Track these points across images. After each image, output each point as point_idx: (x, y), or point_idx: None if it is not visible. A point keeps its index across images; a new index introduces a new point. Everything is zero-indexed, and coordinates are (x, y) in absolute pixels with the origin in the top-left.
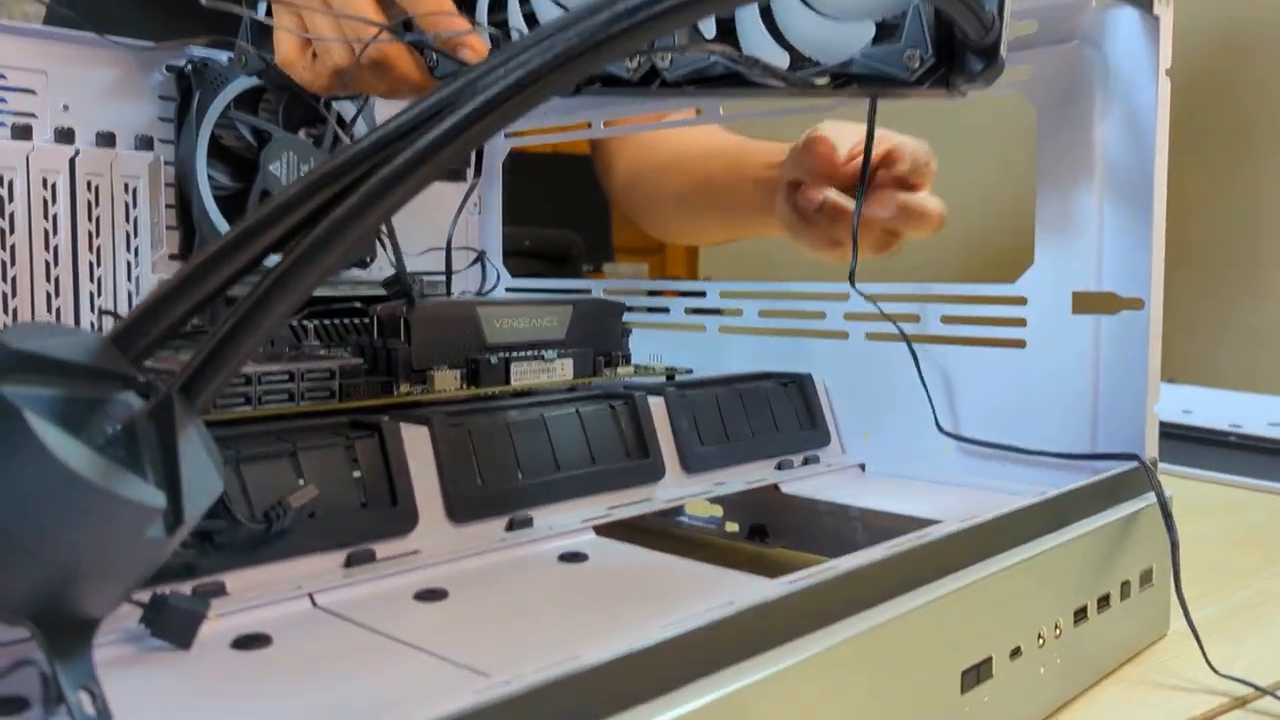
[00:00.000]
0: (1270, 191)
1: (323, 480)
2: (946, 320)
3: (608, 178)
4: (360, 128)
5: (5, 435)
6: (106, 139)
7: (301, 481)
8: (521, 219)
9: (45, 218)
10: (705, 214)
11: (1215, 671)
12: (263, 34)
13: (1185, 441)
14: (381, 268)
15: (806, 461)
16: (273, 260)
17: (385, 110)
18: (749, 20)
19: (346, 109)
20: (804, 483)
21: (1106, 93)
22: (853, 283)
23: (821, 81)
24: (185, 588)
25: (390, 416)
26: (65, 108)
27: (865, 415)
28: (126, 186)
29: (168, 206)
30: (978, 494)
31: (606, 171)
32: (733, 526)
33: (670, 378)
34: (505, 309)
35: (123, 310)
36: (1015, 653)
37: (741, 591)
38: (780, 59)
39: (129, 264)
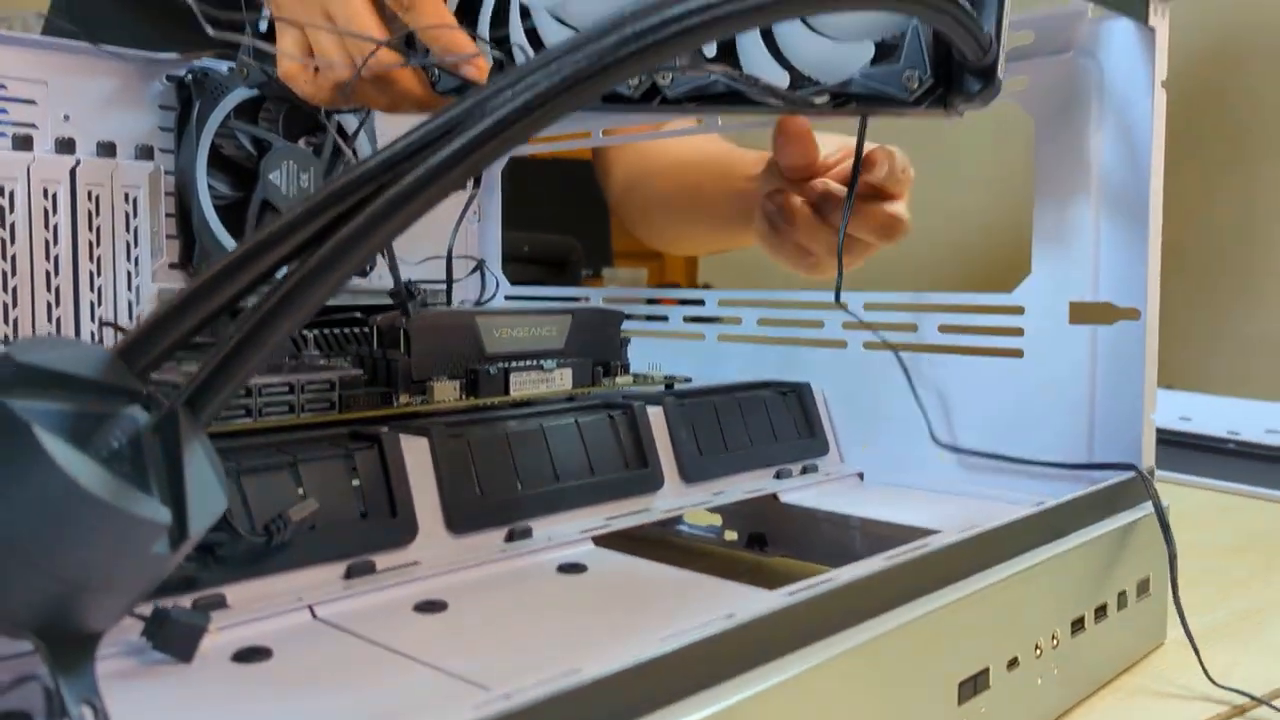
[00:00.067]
0: (1266, 199)
1: (322, 492)
2: (944, 329)
3: (606, 183)
4: (361, 140)
5: (13, 450)
6: (107, 149)
7: (301, 491)
8: (521, 224)
9: (46, 228)
10: (692, 224)
11: (1213, 682)
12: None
13: (1183, 448)
14: (381, 275)
15: (805, 470)
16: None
17: (385, 122)
18: (749, 40)
19: (348, 120)
20: (802, 492)
21: (1103, 103)
22: (838, 299)
23: (820, 101)
24: (186, 600)
25: (390, 428)
26: (66, 118)
27: (863, 424)
28: (127, 196)
29: (168, 216)
30: (976, 503)
31: (605, 177)
32: (731, 535)
33: (669, 387)
34: (504, 319)
35: (123, 320)
36: (1012, 663)
37: (741, 603)
38: (780, 78)
39: (129, 273)
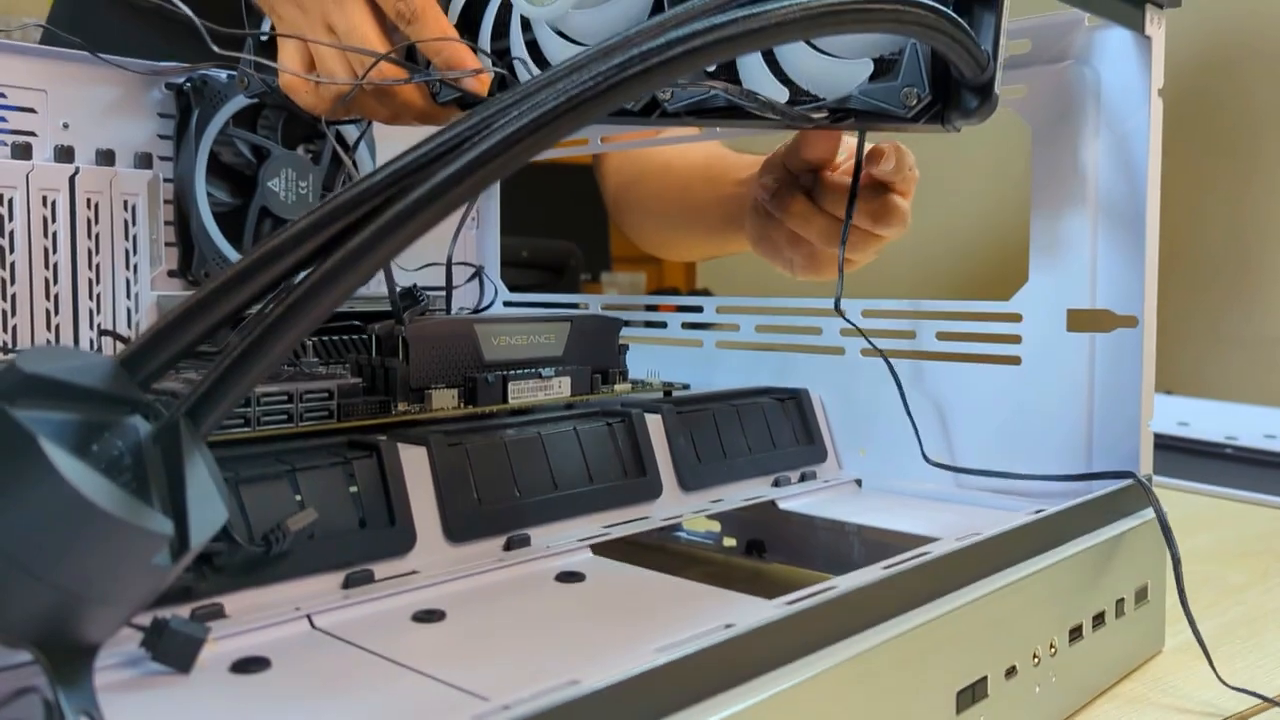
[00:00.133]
0: (1264, 204)
1: (321, 501)
2: (942, 337)
3: (602, 184)
4: (361, 150)
5: (17, 460)
6: (106, 157)
7: (299, 498)
8: (520, 229)
9: (45, 236)
10: (684, 227)
11: (1224, 683)
12: (265, 56)
13: (1181, 454)
14: (379, 280)
15: (803, 478)
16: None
17: (384, 130)
18: (749, 56)
19: (347, 128)
20: (801, 499)
21: (1100, 112)
22: (838, 307)
23: (819, 116)
24: (184, 610)
25: (388, 436)
26: (65, 126)
27: (861, 430)
28: (126, 204)
29: (167, 223)
30: (974, 511)
31: (601, 178)
32: (730, 542)
33: (667, 394)
34: (503, 326)
35: (121, 328)
36: (1010, 672)
37: (740, 613)
38: (779, 93)
39: (128, 281)
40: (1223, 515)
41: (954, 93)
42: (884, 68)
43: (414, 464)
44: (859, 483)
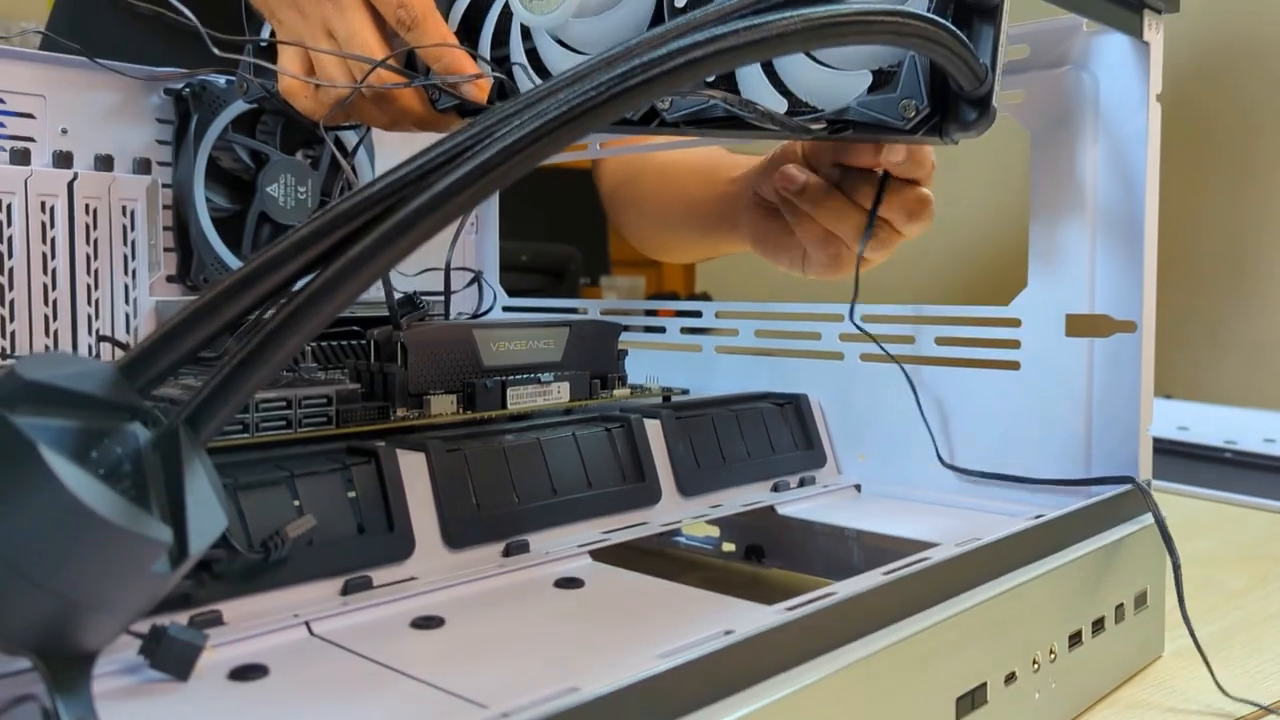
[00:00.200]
0: (1263, 207)
1: (319, 507)
2: (941, 342)
3: (599, 183)
4: (360, 155)
5: (18, 467)
6: (105, 162)
7: (297, 504)
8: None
9: (44, 241)
10: (678, 227)
11: (1224, 693)
12: (264, 61)
13: (1180, 458)
14: (378, 286)
15: (803, 483)
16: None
17: (382, 136)
18: (748, 67)
19: (346, 134)
20: (800, 504)
21: (1098, 117)
22: (852, 317)
23: (818, 127)
24: (183, 618)
25: (387, 443)
26: (64, 131)
27: (861, 435)
28: (124, 209)
29: (165, 229)
30: (973, 516)
31: (598, 179)
32: (729, 547)
33: (666, 399)
34: (502, 331)
35: (120, 333)
36: (1010, 678)
37: (739, 619)
38: (778, 104)
39: (127, 287)
40: (1222, 520)
41: (952, 105)
42: (883, 80)
43: (413, 470)
44: (858, 488)
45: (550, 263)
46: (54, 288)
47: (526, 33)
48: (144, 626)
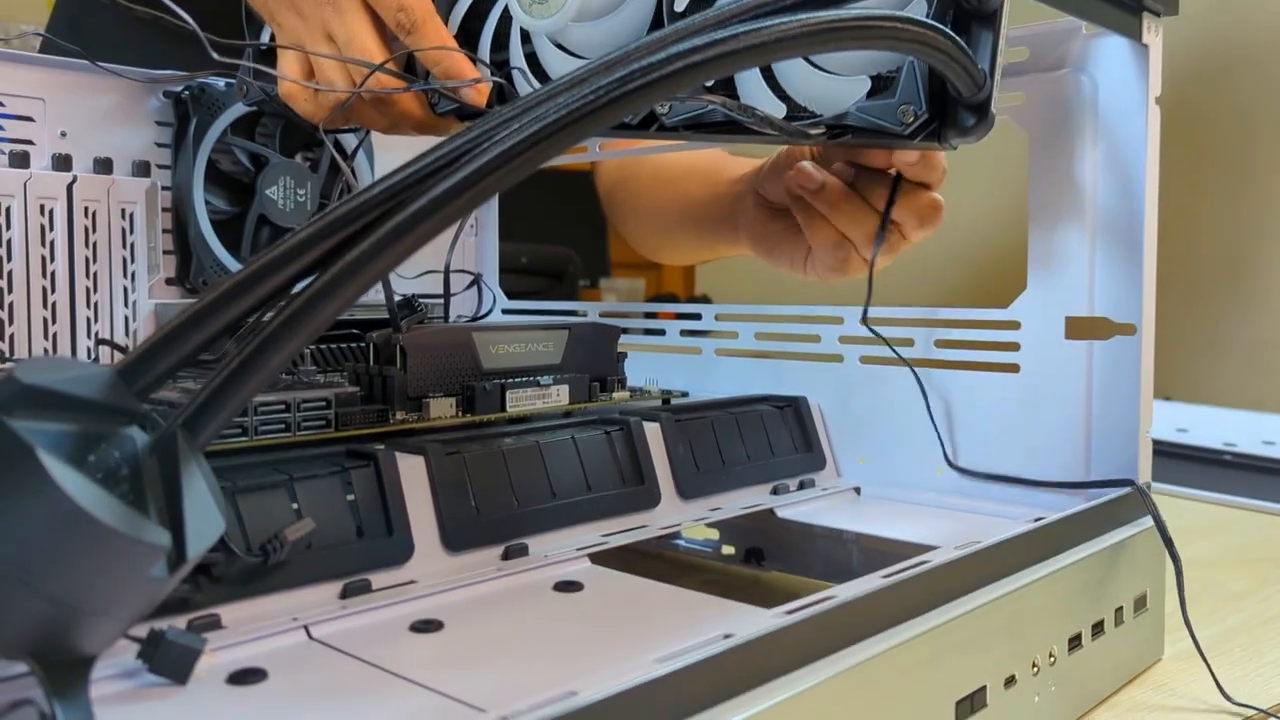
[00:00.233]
0: (1261, 209)
1: (318, 511)
2: (940, 344)
3: (598, 183)
4: (360, 158)
5: (15, 471)
6: (104, 165)
7: (296, 507)
8: (518, 236)
9: (43, 244)
10: (674, 227)
11: (1226, 697)
12: (264, 64)
13: (1180, 460)
14: (378, 289)
15: (802, 485)
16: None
17: (382, 138)
18: (747, 71)
19: (346, 136)
20: (799, 507)
21: (1097, 119)
22: (865, 320)
23: (816, 132)
24: (181, 621)
25: (386, 446)
26: (63, 134)
27: (860, 438)
28: (124, 212)
29: (165, 231)
30: (973, 519)
31: (597, 177)
32: (729, 550)
33: (666, 402)
34: (501, 334)
35: (119, 336)
36: (1009, 681)
37: (738, 623)
38: (777, 109)
39: (126, 289)
40: (1221, 522)
41: (951, 110)
42: (881, 85)
43: (412, 473)
44: (857, 490)
45: (549, 265)
46: (53, 290)
47: (526, 36)
48: (142, 630)
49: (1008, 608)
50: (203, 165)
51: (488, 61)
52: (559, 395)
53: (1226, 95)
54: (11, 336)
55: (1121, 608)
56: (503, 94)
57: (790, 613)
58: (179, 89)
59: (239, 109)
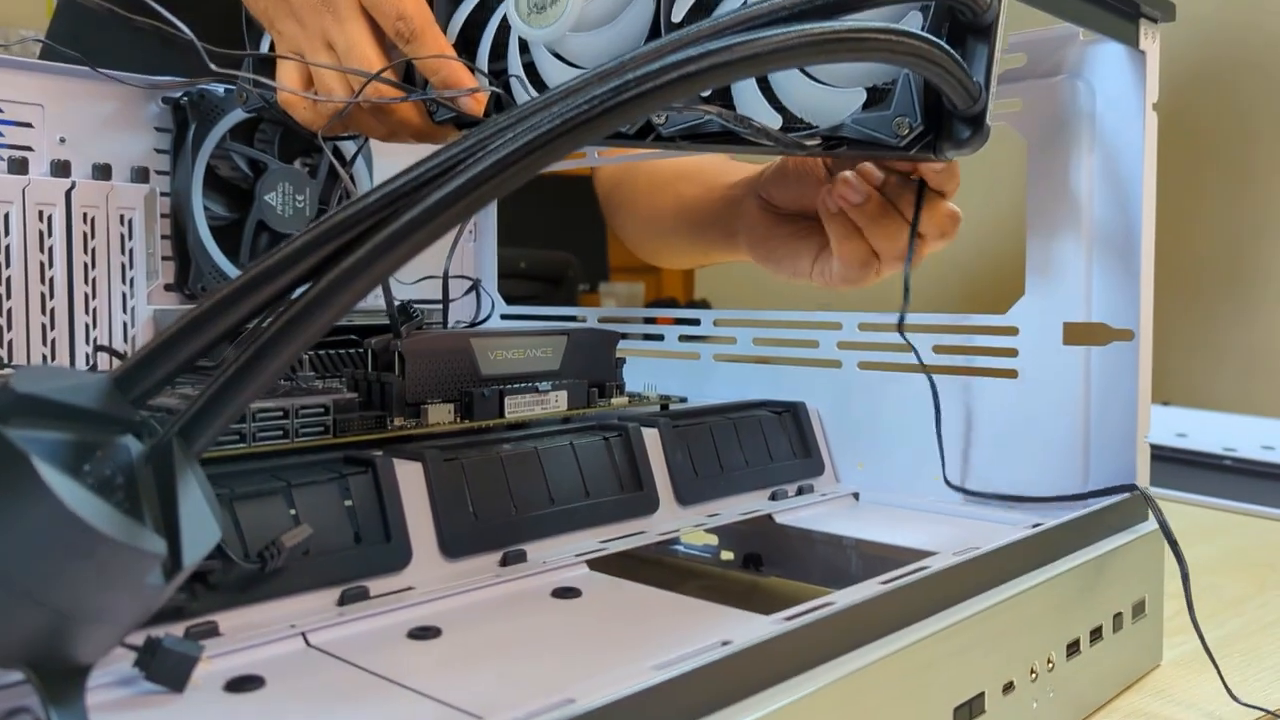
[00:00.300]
0: (1259, 213)
1: (316, 517)
2: (939, 350)
3: (597, 184)
4: (359, 164)
5: (11, 480)
6: (103, 171)
7: (293, 513)
8: (517, 240)
9: (41, 250)
10: (670, 231)
11: (1234, 698)
12: (263, 72)
13: (1179, 465)
14: (377, 295)
15: (800, 491)
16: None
17: (381, 147)
18: (743, 82)
19: (345, 142)
20: (798, 512)
21: (1095, 125)
22: (901, 330)
23: (812, 143)
24: (178, 629)
25: (384, 452)
26: (62, 140)
27: (859, 443)
28: (122, 218)
29: (163, 237)
30: (971, 524)
31: (595, 179)
32: (728, 555)
33: (664, 408)
34: (499, 340)
35: (118, 342)
36: (1008, 687)
37: (736, 630)
38: (773, 120)
39: (124, 295)
40: (1220, 527)
41: (946, 123)
42: (877, 97)
43: (410, 480)
44: (856, 496)
45: (548, 270)
46: (51, 297)
47: (524, 46)
48: (139, 638)
49: (1006, 614)
50: (201, 171)
51: (486, 70)
52: (557, 401)
53: (1224, 100)
54: (10, 342)
55: (1120, 613)
56: (500, 103)
57: (788, 619)
58: (178, 95)
59: (238, 115)
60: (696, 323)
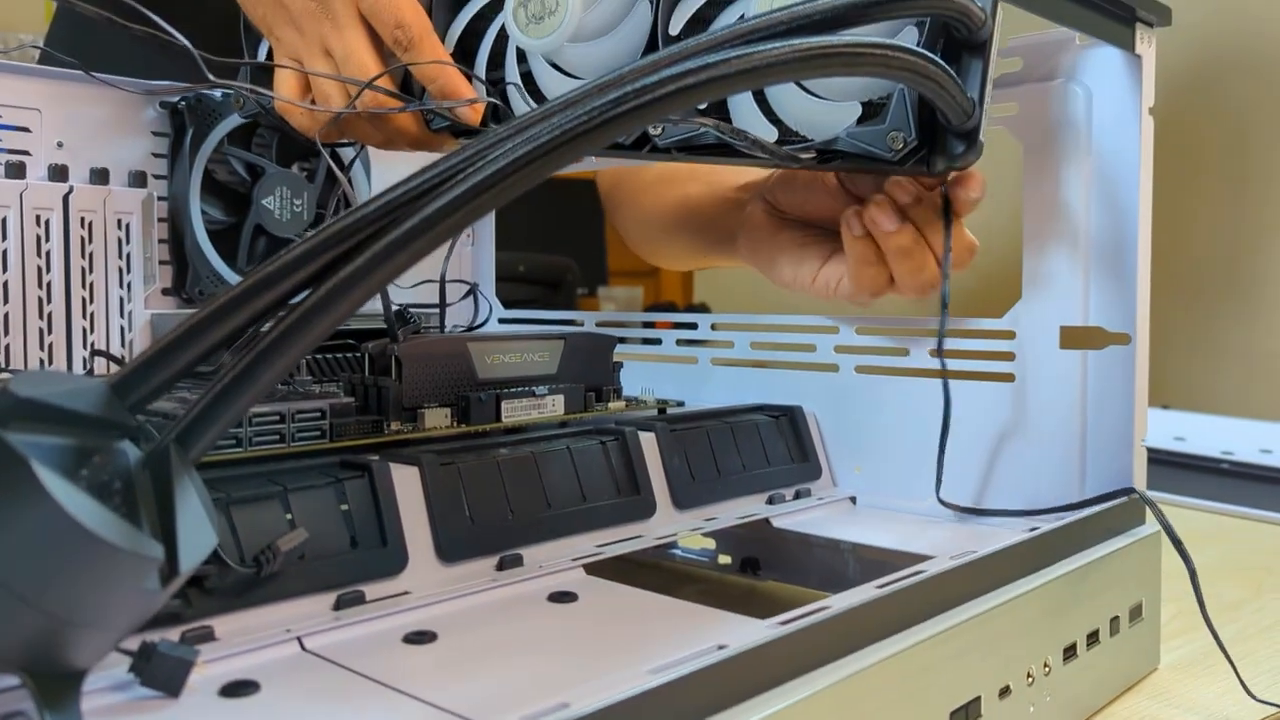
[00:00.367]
0: (1257, 216)
1: (312, 522)
2: (935, 354)
3: (599, 181)
4: (356, 169)
5: (10, 484)
6: (100, 175)
7: (289, 517)
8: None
9: (39, 255)
10: (670, 233)
11: (1252, 697)
12: (260, 78)
13: (1177, 469)
14: (374, 299)
15: (798, 495)
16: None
17: (379, 151)
18: (739, 95)
19: (344, 150)
20: (795, 517)
21: (1091, 130)
22: (940, 349)
23: (807, 156)
24: (174, 634)
25: (380, 456)
26: (59, 145)
27: (856, 447)
28: (120, 222)
29: (161, 242)
30: (968, 528)
31: (597, 176)
32: (725, 559)
33: (661, 412)
34: (496, 344)
35: (115, 347)
36: (1004, 692)
37: (732, 634)
38: (768, 133)
39: (122, 300)
40: (1218, 531)
41: (940, 138)
42: (872, 111)
43: (406, 484)
44: (853, 500)
45: (547, 274)
46: (49, 301)
47: (522, 56)
48: (134, 643)
49: (1003, 617)
50: (199, 175)
51: (484, 79)
52: (554, 405)
53: (1220, 105)
54: (7, 347)
55: (1117, 617)
56: (497, 113)
57: (784, 623)
58: (176, 99)
59: (235, 120)
60: (694, 327)
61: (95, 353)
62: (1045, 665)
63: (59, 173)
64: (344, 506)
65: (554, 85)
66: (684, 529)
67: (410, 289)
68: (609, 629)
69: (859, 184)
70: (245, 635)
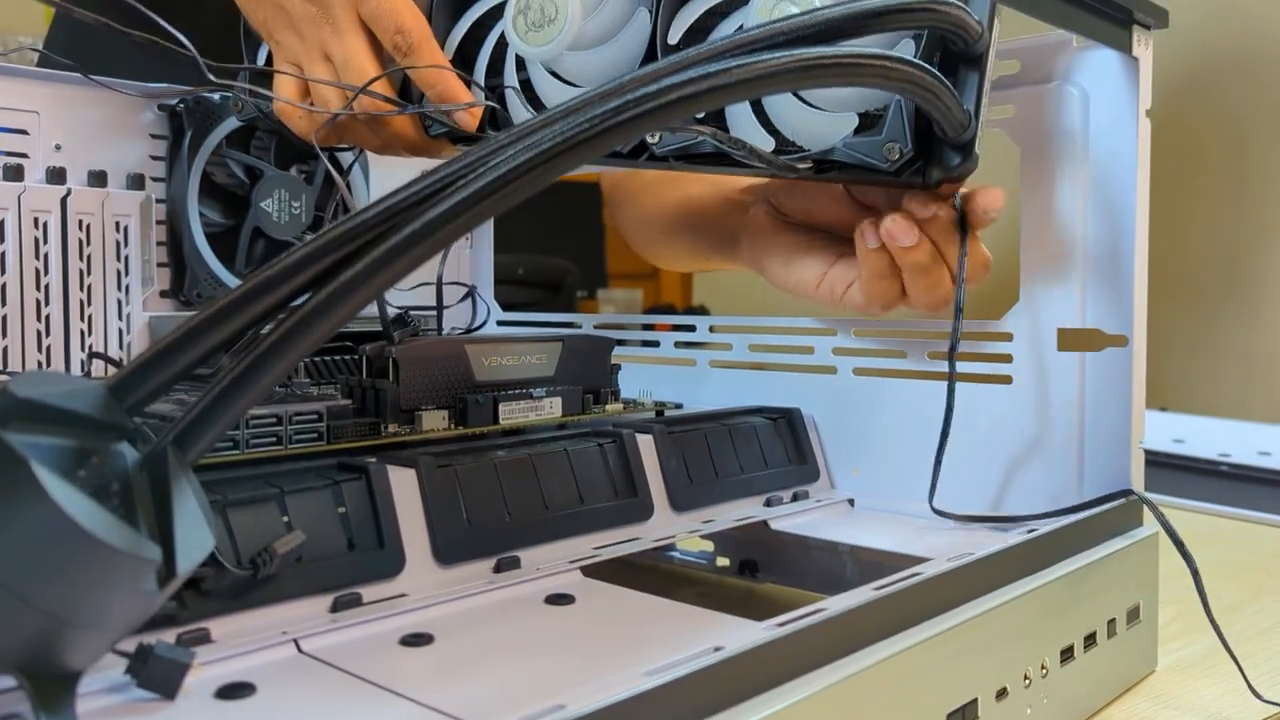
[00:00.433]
0: (1255, 217)
1: (309, 524)
2: (933, 356)
3: (602, 183)
4: (355, 172)
5: (9, 484)
6: (98, 178)
7: (286, 519)
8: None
9: (37, 257)
10: (670, 232)
11: (1257, 696)
12: (259, 81)
13: (1175, 471)
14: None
15: (796, 497)
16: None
17: (378, 157)
18: (737, 105)
19: (343, 153)
20: (793, 519)
21: (1088, 132)
22: (951, 359)
23: (804, 166)
24: (170, 635)
25: (378, 459)
26: (57, 147)
27: (854, 450)
28: (118, 225)
29: (159, 244)
30: (966, 530)
31: (601, 176)
32: (723, 562)
33: (659, 414)
34: (494, 346)
35: (113, 349)
36: (1001, 694)
37: (729, 636)
38: (765, 143)
39: (120, 302)
40: (1216, 533)
41: (936, 149)
42: (868, 122)
43: (403, 486)
44: (851, 502)
45: (546, 276)
46: (47, 304)
47: (521, 63)
48: (130, 645)
49: (1000, 619)
50: (197, 178)
51: (483, 84)
52: (552, 408)
53: (1218, 106)
54: (5, 349)
55: (1114, 619)
56: (495, 118)
57: (781, 625)
58: (174, 102)
59: (234, 122)
60: (692, 329)
61: (93, 355)
62: (1043, 667)
63: (57, 175)
64: (341, 509)
65: (552, 93)
66: (682, 531)
67: (408, 291)
68: (606, 631)
69: (865, 190)
70: (242, 637)
